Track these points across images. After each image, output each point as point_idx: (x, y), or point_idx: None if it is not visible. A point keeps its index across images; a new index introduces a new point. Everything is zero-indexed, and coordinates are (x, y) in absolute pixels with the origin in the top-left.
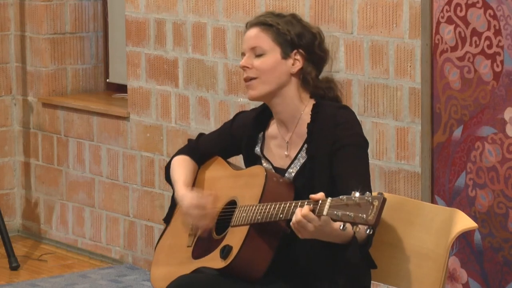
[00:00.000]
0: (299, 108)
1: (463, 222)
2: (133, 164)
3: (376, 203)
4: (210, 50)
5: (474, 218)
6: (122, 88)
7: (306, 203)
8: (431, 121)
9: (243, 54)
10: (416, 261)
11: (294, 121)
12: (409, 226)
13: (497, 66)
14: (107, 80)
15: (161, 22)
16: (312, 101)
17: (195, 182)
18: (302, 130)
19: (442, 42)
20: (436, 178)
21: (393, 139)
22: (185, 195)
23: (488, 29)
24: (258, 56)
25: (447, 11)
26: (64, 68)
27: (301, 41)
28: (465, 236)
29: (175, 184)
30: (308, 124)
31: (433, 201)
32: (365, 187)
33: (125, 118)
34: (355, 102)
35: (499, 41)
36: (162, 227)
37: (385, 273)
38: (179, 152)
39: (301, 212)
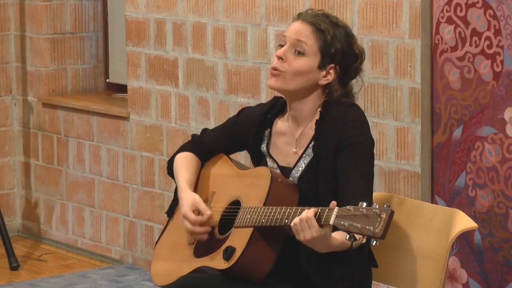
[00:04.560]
0: (315, 109)
1: (463, 222)
2: (133, 164)
3: (384, 215)
4: (210, 50)
5: (474, 218)
6: (122, 88)
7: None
8: (431, 121)
9: (281, 43)
10: (416, 261)
11: (307, 119)
12: (409, 226)
13: (497, 66)
14: (107, 80)
15: (161, 22)
16: (324, 99)
17: (199, 179)
18: (312, 128)
19: (442, 42)
20: (436, 178)
21: (393, 139)
22: (185, 199)
23: (488, 29)
24: (298, 53)
25: (447, 11)
26: (64, 68)
27: (342, 59)
28: (465, 236)
29: (178, 183)
30: (317, 121)
31: (433, 201)
32: (367, 187)
33: (125, 118)
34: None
35: (499, 41)
36: (162, 227)
37: (385, 273)
38: (183, 148)
39: (306, 214)
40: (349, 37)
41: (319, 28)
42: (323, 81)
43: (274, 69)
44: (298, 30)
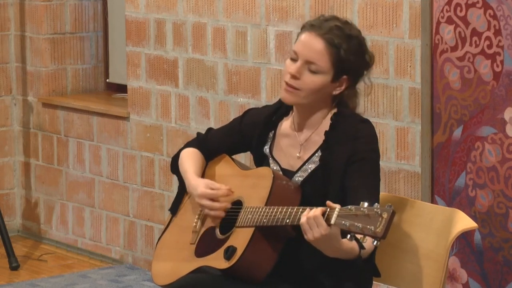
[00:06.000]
0: (323, 117)
1: (463, 222)
2: (133, 164)
3: (385, 215)
4: (210, 50)
5: (474, 218)
6: (122, 88)
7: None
8: (431, 121)
9: (294, 54)
10: (416, 261)
11: (313, 126)
12: (409, 226)
13: (497, 66)
14: (107, 80)
15: (161, 22)
16: (334, 109)
17: (203, 177)
18: (319, 135)
19: (442, 42)
20: (436, 178)
21: (393, 139)
22: (199, 183)
23: (488, 29)
24: (312, 71)
25: (447, 11)
26: (64, 68)
27: (355, 70)
28: (465, 236)
29: (185, 173)
30: (326, 132)
31: (433, 201)
32: (374, 201)
33: (125, 118)
34: None
35: (499, 41)
36: (162, 227)
37: (385, 273)
38: (188, 145)
39: (314, 213)
40: (361, 46)
41: (332, 43)
42: (336, 92)
43: (289, 85)
44: (311, 46)
